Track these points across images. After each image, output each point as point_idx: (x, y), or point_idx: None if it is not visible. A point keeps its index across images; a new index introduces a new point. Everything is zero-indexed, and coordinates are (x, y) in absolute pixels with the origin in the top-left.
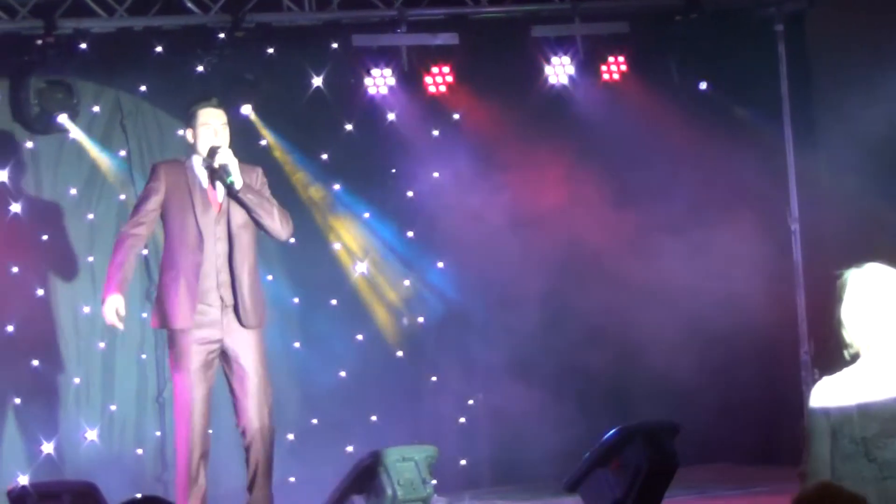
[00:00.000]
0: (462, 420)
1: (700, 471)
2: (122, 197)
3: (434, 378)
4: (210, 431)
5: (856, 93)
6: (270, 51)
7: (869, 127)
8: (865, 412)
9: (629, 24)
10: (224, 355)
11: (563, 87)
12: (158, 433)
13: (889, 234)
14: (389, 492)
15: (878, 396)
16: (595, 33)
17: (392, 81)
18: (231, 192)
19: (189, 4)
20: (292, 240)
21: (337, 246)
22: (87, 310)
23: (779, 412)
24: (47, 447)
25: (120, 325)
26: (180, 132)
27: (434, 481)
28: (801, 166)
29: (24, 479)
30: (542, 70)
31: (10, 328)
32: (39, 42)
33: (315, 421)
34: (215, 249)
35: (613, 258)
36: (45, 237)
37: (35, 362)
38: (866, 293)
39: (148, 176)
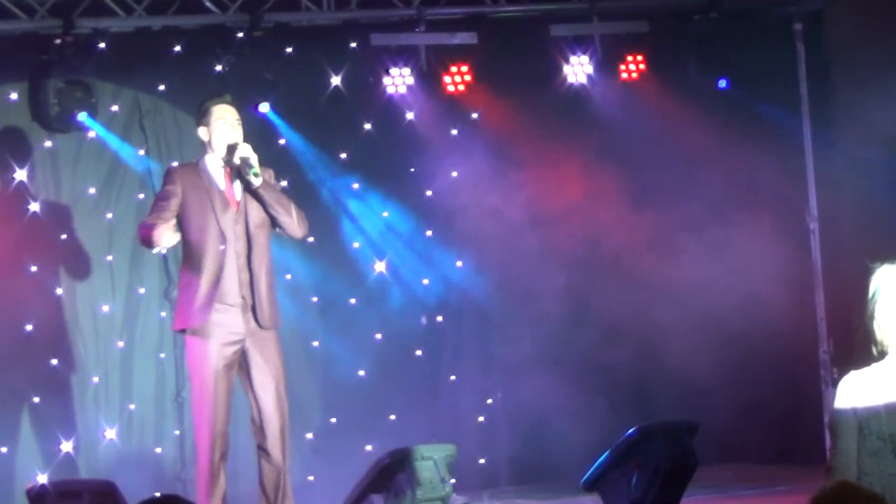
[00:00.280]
0: (481, 419)
1: (719, 470)
2: (141, 196)
3: (453, 377)
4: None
5: (875, 92)
6: (289, 50)
7: (888, 125)
8: (893, 409)
9: (648, 23)
10: (243, 354)
11: (582, 86)
12: (177, 432)
13: None
14: (408, 491)
15: None
16: (613, 32)
17: (410, 80)
18: (250, 189)
19: (207, 4)
20: (310, 238)
21: (356, 245)
22: (105, 309)
23: (797, 411)
24: (66, 446)
25: (177, 236)
26: (195, 131)
27: (453, 480)
28: (820, 165)
29: (42, 478)
30: (560, 69)
31: (28, 327)
32: (58, 42)
33: (334, 420)
34: (235, 249)
35: (632, 257)
36: (63, 236)
37: (54, 361)
38: None
39: (162, 179)
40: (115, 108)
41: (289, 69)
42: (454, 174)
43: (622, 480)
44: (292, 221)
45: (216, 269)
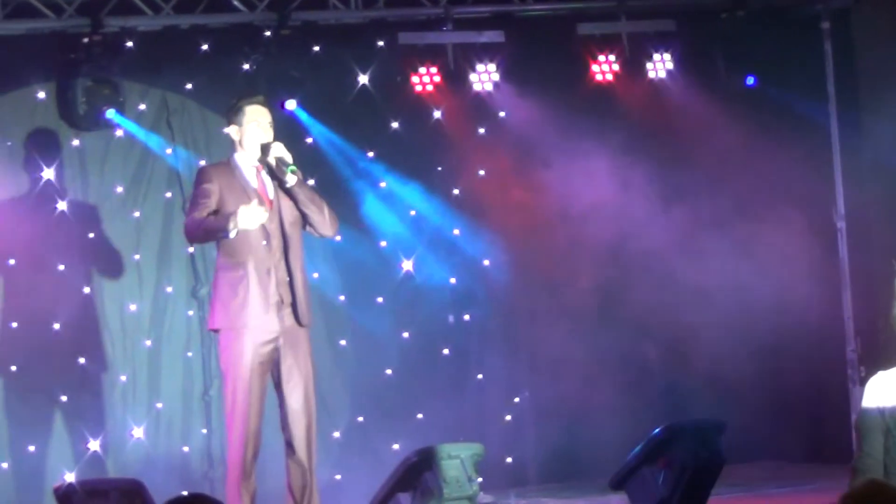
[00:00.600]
0: (508, 418)
1: (746, 469)
2: (168, 195)
3: (480, 376)
4: None
5: None
6: (316, 49)
7: None
8: None
9: (675, 22)
10: (276, 352)
11: (609, 84)
12: (205, 431)
13: None
14: (435, 490)
15: None
16: (641, 31)
17: (438, 79)
18: (283, 187)
19: (235, 2)
20: (337, 237)
21: (383, 243)
22: (133, 307)
23: (825, 410)
24: (94, 445)
25: (265, 213)
26: (225, 129)
27: (480, 479)
28: (847, 164)
29: (70, 477)
30: (587, 67)
31: (56, 326)
32: (86, 41)
33: (361, 419)
34: (272, 246)
35: (660, 255)
36: (91, 235)
37: (81, 360)
38: None
39: (195, 178)
40: (142, 106)
41: (316, 68)
42: (481, 172)
43: (649, 479)
44: (324, 219)
45: (255, 266)
